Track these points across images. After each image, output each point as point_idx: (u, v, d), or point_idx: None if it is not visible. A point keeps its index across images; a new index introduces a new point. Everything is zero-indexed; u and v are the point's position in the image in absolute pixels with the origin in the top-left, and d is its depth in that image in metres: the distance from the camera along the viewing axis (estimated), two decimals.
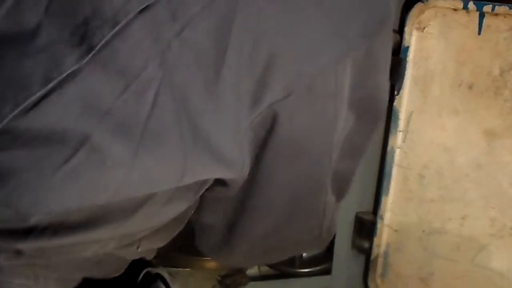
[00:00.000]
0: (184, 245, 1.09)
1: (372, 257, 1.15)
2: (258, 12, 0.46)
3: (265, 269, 1.22)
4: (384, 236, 1.12)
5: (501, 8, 0.91)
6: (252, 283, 1.14)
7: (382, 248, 1.13)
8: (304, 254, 1.23)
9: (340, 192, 0.68)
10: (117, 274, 0.64)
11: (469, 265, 1.06)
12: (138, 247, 0.58)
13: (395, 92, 1.02)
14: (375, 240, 1.13)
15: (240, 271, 1.11)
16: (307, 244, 0.73)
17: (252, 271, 1.19)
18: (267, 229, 0.61)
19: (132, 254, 0.62)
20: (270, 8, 0.46)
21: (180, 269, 1.04)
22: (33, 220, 0.45)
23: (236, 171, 0.51)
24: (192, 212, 0.61)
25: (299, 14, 0.47)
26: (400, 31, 0.99)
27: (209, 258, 1.05)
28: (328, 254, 1.22)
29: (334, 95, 0.52)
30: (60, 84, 0.41)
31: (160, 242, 0.64)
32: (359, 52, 0.52)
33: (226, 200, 0.58)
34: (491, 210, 1.01)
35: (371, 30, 0.52)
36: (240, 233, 0.61)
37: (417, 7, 0.95)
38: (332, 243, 1.18)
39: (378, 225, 1.11)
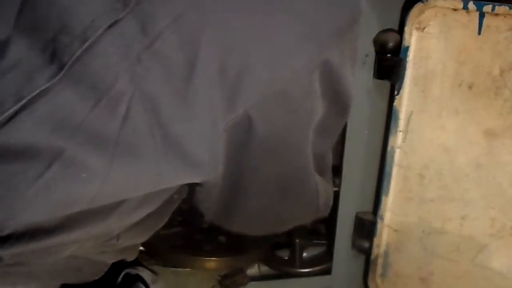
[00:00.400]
0: (184, 245, 1.09)
1: (372, 257, 1.15)
2: (227, 23, 0.47)
3: (265, 269, 1.22)
4: (384, 236, 1.12)
5: (501, 8, 0.91)
6: (252, 283, 1.14)
7: (382, 248, 1.13)
8: (304, 254, 1.24)
9: (322, 171, 0.68)
10: (96, 278, 0.65)
11: (469, 265, 1.06)
12: (118, 239, 0.59)
13: (395, 92, 1.02)
14: (375, 240, 1.13)
15: (240, 271, 1.11)
16: (306, 217, 0.75)
17: (252, 271, 1.19)
18: (261, 208, 0.63)
19: (112, 255, 0.63)
20: (239, 19, 0.47)
21: (180, 269, 1.04)
22: (9, 231, 0.46)
23: (206, 174, 0.52)
24: (174, 208, 0.62)
25: (268, 21, 0.48)
26: (400, 31, 0.99)
27: (209, 258, 1.06)
28: (328, 254, 1.22)
29: (309, 93, 0.54)
30: (31, 101, 0.42)
31: (141, 237, 0.64)
32: (331, 52, 0.53)
33: (210, 193, 0.59)
34: (491, 210, 1.01)
35: (342, 30, 0.53)
36: (235, 212, 0.63)
37: (417, 7, 0.95)
38: (332, 243, 1.18)
39: (378, 225, 1.11)
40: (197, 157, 0.49)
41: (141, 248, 0.92)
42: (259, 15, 0.48)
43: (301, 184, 0.64)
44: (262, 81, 0.50)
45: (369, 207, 1.14)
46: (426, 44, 0.97)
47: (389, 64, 1.00)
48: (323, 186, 0.68)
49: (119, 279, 0.70)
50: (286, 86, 0.51)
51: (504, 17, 0.91)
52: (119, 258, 0.66)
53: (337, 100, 0.63)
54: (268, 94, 0.50)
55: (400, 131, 1.04)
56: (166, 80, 0.46)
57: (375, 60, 1.02)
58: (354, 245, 1.17)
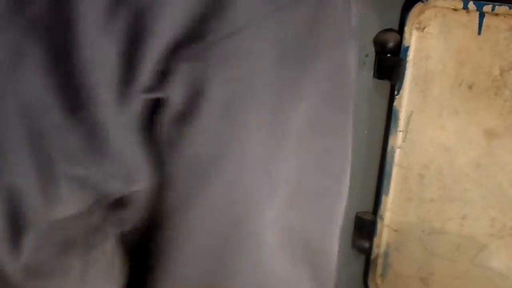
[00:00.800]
0: None
1: (372, 257, 1.15)
2: None
3: None
4: (384, 236, 1.12)
5: (501, 8, 0.91)
6: None
7: (382, 248, 1.13)
8: None
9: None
10: None
11: (469, 265, 1.06)
12: None
13: (395, 92, 1.02)
14: (375, 240, 1.13)
15: None
16: None
17: None
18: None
19: None
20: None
21: None
22: None
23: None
24: None
25: None
26: (400, 31, 0.99)
27: None
28: None
29: None
30: None
31: None
32: None
33: None
34: (491, 210, 1.01)
35: None
36: None
37: (417, 7, 0.95)
38: None
39: (378, 225, 1.11)
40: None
41: None
42: None
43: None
44: None
45: (369, 207, 1.14)
46: (426, 44, 0.97)
47: (389, 64, 1.01)
48: None
49: None
50: None
51: (504, 17, 0.91)
52: None
53: None
54: None
55: (400, 131, 1.04)
56: None
57: (375, 60, 1.02)
58: (354, 245, 1.17)
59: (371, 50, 1.02)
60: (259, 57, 0.38)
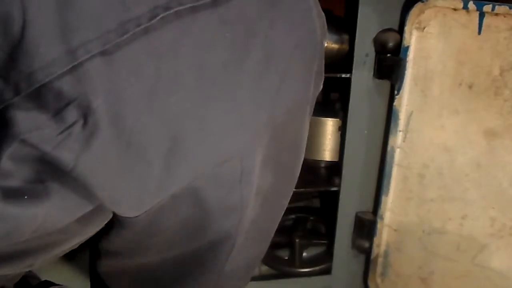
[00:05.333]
0: None
1: (372, 257, 1.15)
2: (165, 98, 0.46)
3: (265, 269, 1.22)
4: (384, 236, 1.12)
5: (501, 8, 0.91)
6: (252, 283, 1.14)
7: (382, 248, 1.13)
8: (304, 254, 1.24)
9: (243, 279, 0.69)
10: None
11: (469, 265, 1.06)
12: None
13: (395, 92, 1.02)
14: (375, 240, 1.13)
15: None
16: None
17: None
18: None
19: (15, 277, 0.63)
20: (182, 101, 0.46)
21: None
22: None
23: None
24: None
25: (209, 103, 0.48)
26: (400, 31, 0.99)
27: None
28: (328, 254, 1.22)
29: (240, 182, 0.54)
30: None
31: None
32: (265, 139, 0.54)
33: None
34: (491, 210, 1.01)
35: (279, 119, 0.54)
36: None
37: (417, 7, 0.95)
38: (332, 243, 1.18)
39: (378, 225, 1.11)
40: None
41: None
42: (201, 96, 0.47)
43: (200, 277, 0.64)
44: (193, 161, 0.50)
45: (369, 207, 1.14)
46: (426, 44, 0.97)
47: (389, 64, 1.00)
48: None
49: None
50: (217, 170, 0.52)
51: (504, 17, 0.91)
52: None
53: (272, 198, 0.63)
54: (197, 176, 0.51)
55: (400, 131, 1.04)
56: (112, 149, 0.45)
57: (375, 60, 1.02)
58: (354, 245, 1.17)
59: (371, 50, 1.02)
60: None
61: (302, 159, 0.65)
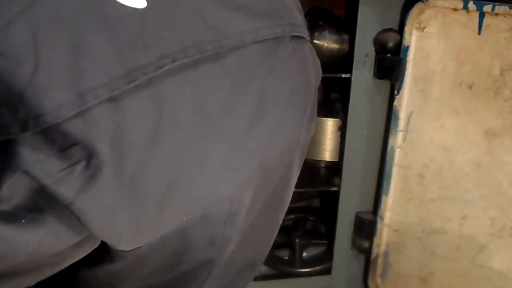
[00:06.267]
0: None
1: (372, 257, 1.15)
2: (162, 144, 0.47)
3: (265, 269, 1.22)
4: (384, 236, 1.12)
5: (501, 8, 0.91)
6: (252, 283, 1.14)
7: (382, 248, 1.13)
8: (304, 254, 1.24)
9: None
10: None
11: (469, 265, 1.06)
12: None
13: (395, 92, 1.02)
14: (375, 240, 1.13)
15: None
16: None
17: None
18: None
19: None
20: (181, 141, 0.47)
21: None
22: None
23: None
24: None
25: (206, 147, 0.49)
26: (400, 31, 0.99)
27: None
28: (328, 254, 1.22)
29: (226, 222, 0.56)
30: None
31: None
32: (256, 182, 0.56)
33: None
34: (491, 210, 1.01)
35: (271, 163, 0.57)
36: None
37: (417, 7, 0.95)
38: (332, 243, 1.18)
39: (378, 225, 1.11)
40: None
41: None
42: (196, 136, 0.49)
43: None
44: (188, 204, 0.52)
45: (369, 207, 1.14)
46: (426, 44, 0.97)
47: (389, 64, 1.00)
48: None
49: None
50: (206, 212, 0.54)
51: (504, 17, 0.91)
52: None
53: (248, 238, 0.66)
54: (188, 216, 0.53)
55: (400, 131, 1.04)
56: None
57: (375, 60, 1.02)
58: (354, 245, 1.17)
59: (371, 50, 1.02)
60: None
61: (292, 189, 0.67)
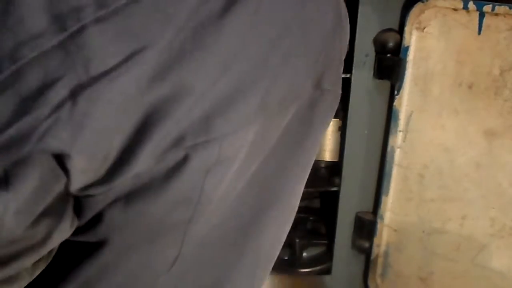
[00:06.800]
0: None
1: (372, 257, 1.15)
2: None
3: None
4: (384, 236, 1.12)
5: (501, 8, 0.91)
6: None
7: (382, 248, 1.13)
8: (304, 254, 1.24)
9: None
10: None
11: (469, 265, 1.06)
12: None
13: (395, 92, 1.02)
14: (375, 240, 1.13)
15: None
16: None
17: None
18: None
19: None
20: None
21: None
22: None
23: None
24: None
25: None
26: (400, 31, 0.99)
27: None
28: (328, 254, 1.22)
29: (208, 172, 0.43)
30: None
31: None
32: (255, 127, 0.44)
33: None
34: (491, 210, 1.01)
35: (272, 106, 0.46)
36: None
37: (417, 7, 0.95)
38: (332, 243, 1.18)
39: (378, 225, 1.11)
40: None
41: None
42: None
43: None
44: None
45: (369, 207, 1.14)
46: (426, 44, 0.97)
47: (389, 64, 1.00)
48: None
49: None
50: (188, 151, 0.43)
51: (504, 17, 0.91)
52: None
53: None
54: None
55: (400, 131, 1.04)
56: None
57: (375, 60, 1.02)
58: (354, 245, 1.17)
59: (371, 50, 1.02)
60: None
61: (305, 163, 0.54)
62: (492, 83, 0.95)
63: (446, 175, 1.03)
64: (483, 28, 0.93)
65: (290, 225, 0.57)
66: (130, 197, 0.43)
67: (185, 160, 0.41)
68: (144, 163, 0.40)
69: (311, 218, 1.33)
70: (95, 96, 0.36)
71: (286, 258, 1.23)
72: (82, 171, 0.40)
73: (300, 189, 0.55)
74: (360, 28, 1.00)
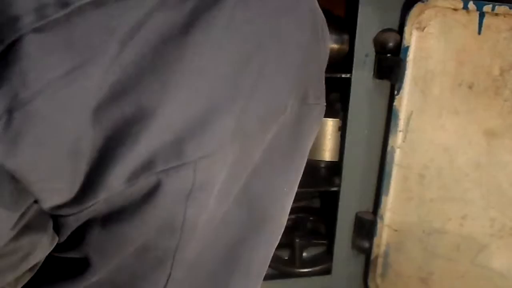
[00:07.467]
0: None
1: (372, 257, 1.15)
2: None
3: None
4: (384, 236, 1.12)
5: (501, 8, 0.91)
6: None
7: (382, 248, 1.13)
8: (304, 254, 1.24)
9: None
10: None
11: (469, 265, 1.06)
12: None
13: (395, 92, 1.02)
14: (375, 240, 1.13)
15: None
16: None
17: None
18: None
19: None
20: None
21: None
22: None
23: None
24: None
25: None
26: (400, 31, 0.99)
27: None
28: (328, 254, 1.22)
29: (188, 197, 0.42)
30: None
31: None
32: (232, 150, 0.43)
33: None
34: (491, 210, 1.01)
35: (250, 128, 0.44)
36: None
37: (417, 7, 0.95)
38: (332, 243, 1.18)
39: (378, 225, 1.11)
40: None
41: None
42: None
43: None
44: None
45: (369, 207, 1.14)
46: (426, 44, 0.97)
47: (389, 64, 1.01)
48: None
49: None
50: (161, 177, 0.42)
51: (504, 17, 0.91)
52: None
53: None
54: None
55: (400, 131, 1.04)
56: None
57: (375, 60, 1.02)
58: (354, 245, 1.17)
59: (371, 50, 1.02)
60: None
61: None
62: (492, 83, 0.95)
63: (446, 175, 1.03)
64: (483, 28, 0.93)
65: (279, 240, 0.55)
66: (107, 219, 0.42)
67: (157, 185, 0.40)
68: (114, 187, 0.39)
69: (311, 218, 1.33)
70: (32, 111, 0.35)
71: (286, 258, 1.23)
72: (47, 190, 0.39)
73: (289, 204, 0.54)
74: (360, 28, 1.00)
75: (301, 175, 0.54)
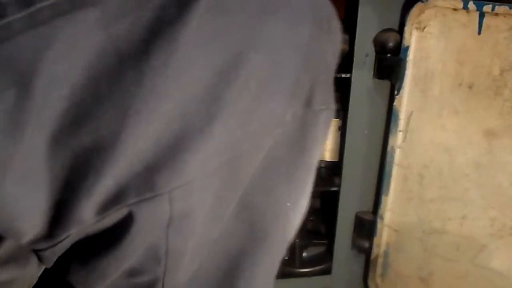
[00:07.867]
0: None
1: (372, 257, 1.15)
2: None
3: None
4: (384, 236, 1.12)
5: (501, 8, 0.91)
6: None
7: (382, 248, 1.13)
8: (304, 254, 1.24)
9: None
10: None
11: (469, 265, 1.06)
12: None
13: (395, 92, 1.02)
14: (375, 240, 1.13)
15: None
16: None
17: None
18: None
19: None
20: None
21: None
22: None
23: None
24: None
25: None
26: (400, 31, 0.99)
27: None
28: (328, 254, 1.22)
29: (168, 227, 0.39)
30: None
31: None
32: (217, 175, 0.40)
33: None
34: (491, 210, 1.01)
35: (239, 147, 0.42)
36: None
37: (417, 7, 0.95)
38: (332, 243, 1.18)
39: (378, 225, 1.11)
40: None
41: None
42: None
43: None
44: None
45: (369, 207, 1.14)
46: (426, 44, 0.97)
47: (389, 64, 1.01)
48: None
49: None
50: (133, 208, 0.40)
51: (504, 17, 0.91)
52: None
53: None
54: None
55: (400, 131, 1.04)
56: None
57: (375, 60, 1.02)
58: (354, 245, 1.17)
59: (371, 50, 1.02)
60: None
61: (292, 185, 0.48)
62: (492, 83, 0.95)
63: (446, 175, 1.03)
64: (483, 28, 0.93)
65: (284, 253, 0.53)
66: (84, 252, 0.40)
67: (130, 217, 0.37)
68: (85, 220, 0.37)
69: (311, 218, 1.33)
70: None
71: (286, 258, 1.24)
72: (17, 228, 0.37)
73: (297, 218, 0.50)
74: (360, 28, 1.00)
75: (311, 186, 0.50)
